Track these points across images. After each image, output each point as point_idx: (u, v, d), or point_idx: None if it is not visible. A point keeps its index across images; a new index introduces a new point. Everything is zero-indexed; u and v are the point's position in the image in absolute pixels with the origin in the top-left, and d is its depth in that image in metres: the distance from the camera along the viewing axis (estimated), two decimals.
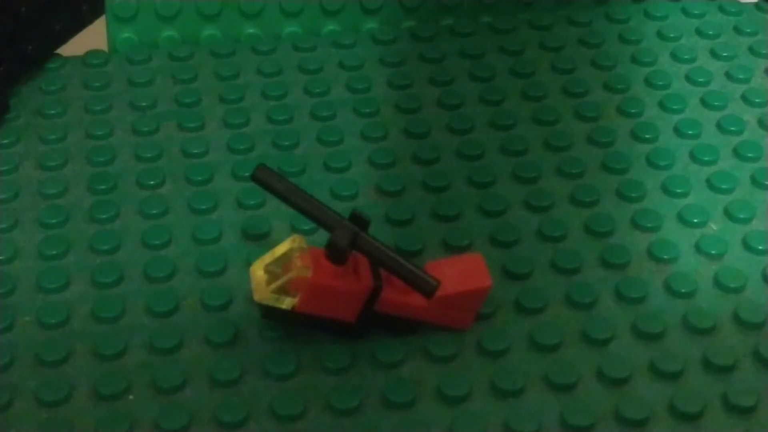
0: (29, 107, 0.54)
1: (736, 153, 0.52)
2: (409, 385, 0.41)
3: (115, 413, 0.40)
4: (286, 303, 0.41)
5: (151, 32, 0.58)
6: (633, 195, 0.49)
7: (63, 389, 0.41)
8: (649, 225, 0.48)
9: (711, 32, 0.59)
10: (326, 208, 0.42)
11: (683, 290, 0.45)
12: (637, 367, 0.42)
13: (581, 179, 0.50)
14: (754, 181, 0.50)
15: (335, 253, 0.40)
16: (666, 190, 0.50)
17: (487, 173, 0.50)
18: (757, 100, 0.54)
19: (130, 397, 0.41)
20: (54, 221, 0.48)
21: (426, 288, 0.40)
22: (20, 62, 0.55)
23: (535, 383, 0.41)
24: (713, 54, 0.57)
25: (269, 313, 0.42)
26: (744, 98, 0.55)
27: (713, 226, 0.48)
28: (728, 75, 0.56)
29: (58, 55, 0.57)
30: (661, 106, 0.54)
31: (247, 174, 0.48)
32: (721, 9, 0.61)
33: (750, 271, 0.46)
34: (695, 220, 0.48)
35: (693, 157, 0.51)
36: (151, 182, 0.50)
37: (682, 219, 0.48)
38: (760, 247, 0.47)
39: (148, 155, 0.51)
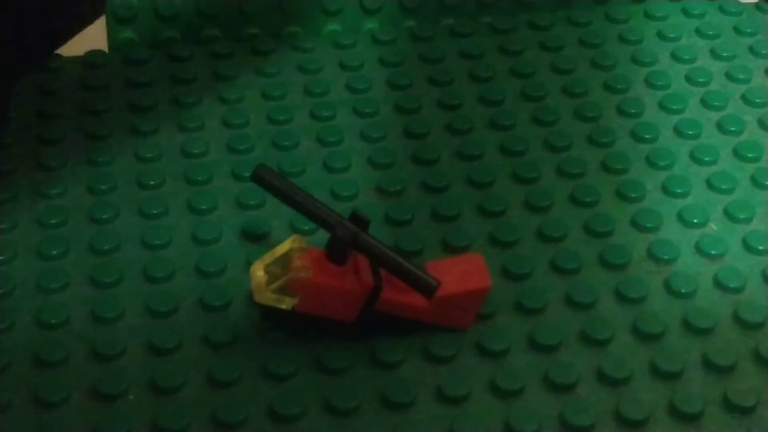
0: (29, 107, 0.54)
1: (736, 153, 0.51)
2: (408, 385, 0.41)
3: (114, 413, 0.40)
4: (286, 303, 0.41)
5: (151, 32, 0.58)
6: (633, 195, 0.49)
7: (62, 389, 0.41)
8: (649, 225, 0.48)
9: (711, 32, 0.59)
10: (326, 208, 0.42)
11: (683, 290, 0.45)
12: (637, 367, 0.42)
13: (581, 179, 0.50)
14: (754, 181, 0.50)
15: (335, 253, 0.40)
16: (666, 190, 0.49)
17: (487, 173, 0.50)
18: (757, 100, 0.54)
19: (130, 397, 0.41)
20: (54, 221, 0.47)
21: (426, 288, 0.40)
22: (20, 62, 0.55)
23: (535, 383, 0.41)
24: (713, 54, 0.57)
25: (269, 313, 0.42)
26: (744, 98, 0.55)
27: (713, 226, 0.48)
28: (728, 75, 0.56)
29: (58, 55, 0.57)
30: (661, 106, 0.54)
31: (247, 174, 0.48)
32: (721, 9, 0.60)
33: (750, 271, 0.46)
34: (695, 220, 0.48)
35: (693, 157, 0.51)
36: (151, 182, 0.49)
37: (682, 219, 0.48)
38: (760, 247, 0.47)
39: (148, 155, 0.51)
